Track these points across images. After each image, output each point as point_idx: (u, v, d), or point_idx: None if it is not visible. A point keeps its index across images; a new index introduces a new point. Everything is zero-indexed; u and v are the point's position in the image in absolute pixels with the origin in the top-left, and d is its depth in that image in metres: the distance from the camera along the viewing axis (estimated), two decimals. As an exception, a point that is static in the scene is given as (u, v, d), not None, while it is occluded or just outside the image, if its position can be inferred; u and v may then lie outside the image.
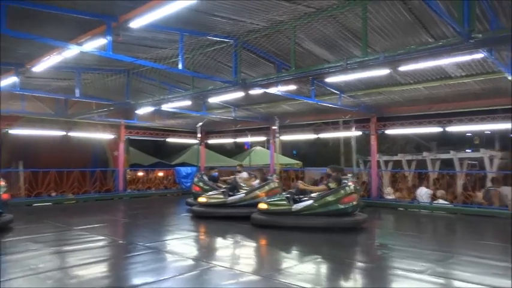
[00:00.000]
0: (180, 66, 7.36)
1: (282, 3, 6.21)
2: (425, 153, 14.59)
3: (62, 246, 6.27)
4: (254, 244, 6.90)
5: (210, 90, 9.15)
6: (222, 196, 9.22)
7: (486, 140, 26.30)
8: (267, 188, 9.15)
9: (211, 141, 18.21)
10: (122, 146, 14.61)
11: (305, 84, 10.13)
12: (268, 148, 18.39)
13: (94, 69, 9.62)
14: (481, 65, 8.10)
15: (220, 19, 6.78)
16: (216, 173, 11.72)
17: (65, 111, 12.22)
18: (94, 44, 6.56)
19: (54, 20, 6.25)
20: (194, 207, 9.48)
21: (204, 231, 8.03)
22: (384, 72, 8.02)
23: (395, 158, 15.20)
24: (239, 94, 9.85)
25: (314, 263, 5.38)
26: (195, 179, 11.19)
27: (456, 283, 4.49)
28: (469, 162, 14.45)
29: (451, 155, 13.62)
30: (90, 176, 13.69)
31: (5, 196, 8.36)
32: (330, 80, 9.35)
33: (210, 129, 17.31)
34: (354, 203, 7.60)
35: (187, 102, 11.06)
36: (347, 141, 14.85)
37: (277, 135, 11.90)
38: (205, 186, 10.63)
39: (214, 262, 5.22)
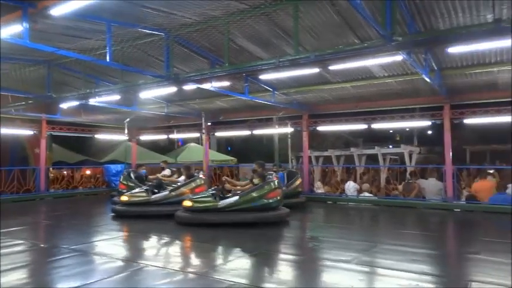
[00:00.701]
0: (107, 58, 7.00)
1: (215, -2, 6.16)
2: (352, 149, 15.35)
3: (-28, 254, 5.67)
4: (183, 242, 6.76)
5: (140, 84, 8.82)
6: (145, 194, 8.93)
7: (406, 137, 28.52)
8: (193, 184, 9.00)
9: (143, 138, 17.60)
10: (43, 143, 13.55)
11: (239, 81, 10.16)
12: (202, 144, 18.20)
13: (9, 58, 8.79)
14: (401, 67, 8.73)
15: (151, 11, 6.53)
16: (144, 171, 11.33)
17: (-26, 104, 11.07)
18: (8, 31, 5.98)
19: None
20: (116, 206, 9.09)
21: (132, 230, 7.72)
22: (314, 70, 8.32)
23: (325, 153, 15.82)
24: (172, 89, 9.61)
25: (247, 259, 5.44)
26: (121, 177, 10.76)
27: (379, 270, 4.79)
28: (391, 157, 15.50)
29: (376, 150, 14.48)
30: (7, 176, 12.53)
31: None
32: (263, 77, 9.48)
33: (142, 125, 16.73)
34: (278, 197, 7.77)
35: (116, 97, 10.57)
36: (281, 137, 15.18)
37: (204, 131, 11.81)
38: (130, 184, 10.25)
39: (145, 262, 5.04)
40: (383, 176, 12.92)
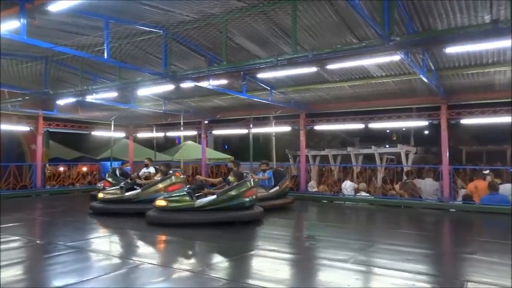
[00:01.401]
0: (105, 55, 6.97)
1: (213, -5, 6.15)
2: (349, 149, 15.39)
3: (-32, 250, 5.65)
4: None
5: (138, 81, 8.78)
6: (118, 191, 8.88)
7: (403, 137, 28.57)
8: (168, 181, 8.79)
9: (140, 135, 17.56)
10: (40, 139, 13.52)
11: (237, 79, 10.15)
12: (199, 143, 18.17)
13: (7, 54, 8.74)
14: (399, 67, 8.74)
15: (149, 8, 6.51)
16: (129, 168, 11.28)
17: (-29, 100, 10.99)
18: (6, 27, 5.94)
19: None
20: (94, 203, 9.07)
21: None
22: (312, 69, 8.32)
23: (322, 152, 15.85)
24: (169, 87, 9.58)
25: (244, 257, 5.43)
26: (107, 174, 10.72)
27: (376, 270, 4.81)
28: (388, 156, 15.55)
29: (372, 150, 14.52)
30: (3, 172, 12.48)
31: None
32: (261, 75, 9.47)
33: (139, 123, 16.68)
34: (254, 197, 7.76)
35: (114, 94, 10.54)
36: (278, 136, 15.18)
37: (182, 128, 11.68)
38: (113, 181, 10.21)
39: (142, 259, 5.04)
40: (380, 175, 12.95)
